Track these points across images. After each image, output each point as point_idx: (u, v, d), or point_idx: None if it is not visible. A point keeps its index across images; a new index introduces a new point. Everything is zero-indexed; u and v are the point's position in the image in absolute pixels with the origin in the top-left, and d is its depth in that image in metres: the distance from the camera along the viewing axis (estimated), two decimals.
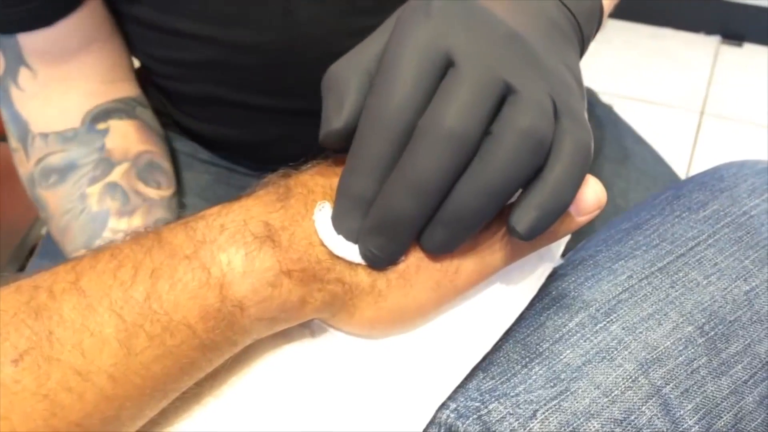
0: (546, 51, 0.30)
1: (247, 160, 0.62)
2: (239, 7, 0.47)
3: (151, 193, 0.52)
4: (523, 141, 0.26)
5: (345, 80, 0.29)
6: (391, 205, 0.27)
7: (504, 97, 0.27)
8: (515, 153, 0.26)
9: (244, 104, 0.54)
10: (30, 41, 0.48)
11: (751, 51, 1.65)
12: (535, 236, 0.28)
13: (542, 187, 0.27)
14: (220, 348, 0.28)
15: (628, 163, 0.64)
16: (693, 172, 1.38)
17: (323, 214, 0.29)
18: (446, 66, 0.27)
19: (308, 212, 0.29)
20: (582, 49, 0.35)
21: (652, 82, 1.59)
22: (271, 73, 0.51)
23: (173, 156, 0.59)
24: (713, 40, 1.69)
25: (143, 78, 0.57)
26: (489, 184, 0.27)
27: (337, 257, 0.29)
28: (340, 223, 0.28)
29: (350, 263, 0.29)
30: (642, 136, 0.69)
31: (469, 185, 0.27)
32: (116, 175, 0.50)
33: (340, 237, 0.28)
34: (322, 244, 0.29)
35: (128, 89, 0.54)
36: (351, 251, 0.29)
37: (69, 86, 0.51)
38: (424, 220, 0.28)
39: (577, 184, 0.28)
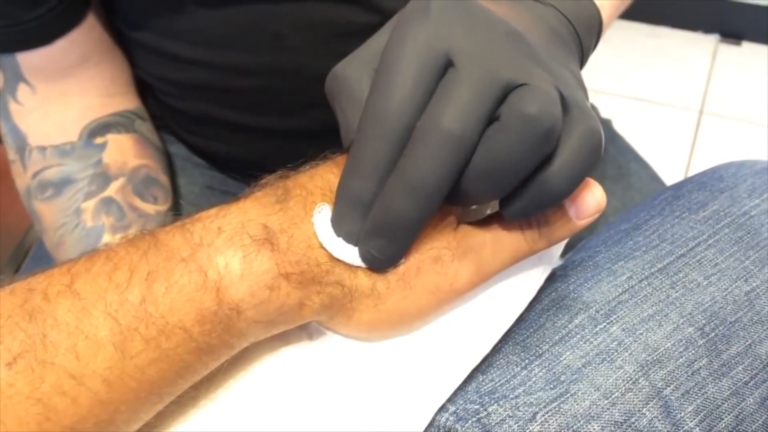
0: (547, 52, 0.29)
1: (239, 173, 0.63)
2: (231, 32, 0.48)
3: (147, 208, 0.52)
4: (530, 128, 0.26)
5: (357, 81, 0.29)
6: (390, 206, 0.27)
7: (505, 96, 0.27)
8: (522, 140, 0.26)
9: (237, 124, 0.55)
10: (28, 59, 0.48)
11: (749, 50, 1.65)
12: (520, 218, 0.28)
13: (547, 176, 0.27)
14: (216, 351, 0.27)
15: (623, 182, 0.64)
16: (692, 172, 1.39)
17: (322, 216, 0.28)
18: (446, 66, 0.27)
19: (307, 214, 0.29)
20: (582, 60, 0.35)
21: (651, 81, 1.59)
22: (263, 95, 0.52)
23: (168, 159, 0.59)
24: (712, 39, 1.69)
25: (142, 86, 0.57)
26: (492, 171, 0.26)
27: (337, 260, 0.29)
28: (339, 225, 0.28)
29: (350, 266, 0.29)
30: (639, 154, 0.68)
31: (471, 171, 0.27)
32: (112, 190, 0.51)
33: (340, 239, 0.28)
34: (322, 247, 0.28)
35: (127, 102, 0.54)
36: (351, 254, 0.28)
37: (67, 101, 0.51)
38: (425, 221, 0.28)
39: (586, 170, 0.28)
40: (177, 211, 0.57)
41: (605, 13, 0.38)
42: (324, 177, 0.30)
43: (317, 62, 0.49)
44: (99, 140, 0.52)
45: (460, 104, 0.26)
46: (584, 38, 0.34)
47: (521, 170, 0.27)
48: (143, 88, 0.57)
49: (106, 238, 0.49)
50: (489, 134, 0.26)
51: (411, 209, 0.27)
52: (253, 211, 0.28)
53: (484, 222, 0.31)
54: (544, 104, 0.26)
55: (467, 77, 0.26)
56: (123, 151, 0.52)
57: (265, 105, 0.53)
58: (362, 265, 0.29)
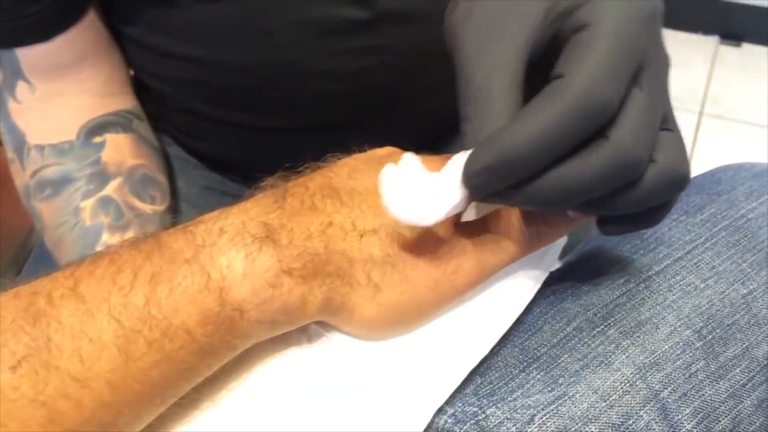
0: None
1: (236, 174, 0.63)
2: (222, 29, 0.48)
3: (145, 208, 0.52)
4: (668, 180, 0.28)
5: (499, 93, 0.28)
6: (516, 147, 0.25)
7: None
8: (659, 191, 0.28)
9: (228, 121, 0.55)
10: (28, 55, 0.48)
11: (749, 51, 1.65)
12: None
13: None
14: (219, 353, 0.28)
15: None
16: (692, 173, 1.38)
17: (402, 168, 0.28)
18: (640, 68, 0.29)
19: (304, 207, 0.29)
20: None
21: None
22: (254, 92, 0.52)
23: (167, 161, 0.59)
24: (712, 41, 1.69)
25: (139, 87, 0.57)
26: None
27: (333, 249, 0.29)
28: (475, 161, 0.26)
29: (346, 256, 0.29)
30: None
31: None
32: (110, 189, 0.51)
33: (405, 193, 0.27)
34: (323, 234, 0.29)
35: (125, 102, 0.55)
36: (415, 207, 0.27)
37: (65, 100, 0.51)
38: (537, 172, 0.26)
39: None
40: (177, 211, 0.57)
41: None
42: (325, 177, 0.31)
43: (307, 59, 0.49)
44: (97, 139, 0.52)
45: (603, 71, 0.26)
46: None
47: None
48: (140, 89, 0.57)
49: (105, 237, 0.50)
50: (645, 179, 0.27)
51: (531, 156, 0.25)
52: (253, 210, 0.29)
53: (484, 219, 0.31)
54: (685, 163, 0.28)
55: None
56: (121, 150, 0.52)
57: (255, 102, 0.53)
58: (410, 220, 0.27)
